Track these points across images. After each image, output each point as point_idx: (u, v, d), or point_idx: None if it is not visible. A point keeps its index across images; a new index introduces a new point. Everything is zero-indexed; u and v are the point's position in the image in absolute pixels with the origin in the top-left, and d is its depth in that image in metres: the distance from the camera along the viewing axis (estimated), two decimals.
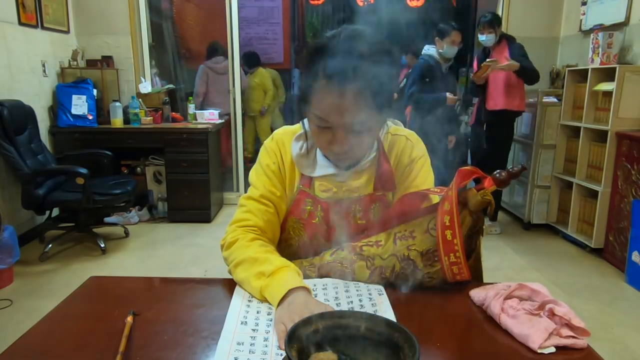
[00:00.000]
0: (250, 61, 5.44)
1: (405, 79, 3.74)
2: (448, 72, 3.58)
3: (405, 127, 1.14)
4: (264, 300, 0.89)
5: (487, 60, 3.40)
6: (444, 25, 3.45)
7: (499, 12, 4.33)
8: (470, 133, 4.23)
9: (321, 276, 1.01)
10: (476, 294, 0.89)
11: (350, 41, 0.87)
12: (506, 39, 3.50)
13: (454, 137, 3.70)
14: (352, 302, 0.88)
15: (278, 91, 6.55)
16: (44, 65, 3.70)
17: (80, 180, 3.02)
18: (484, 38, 3.47)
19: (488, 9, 4.32)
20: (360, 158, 1.02)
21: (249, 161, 4.93)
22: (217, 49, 4.85)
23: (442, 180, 1.08)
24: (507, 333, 0.79)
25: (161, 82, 4.69)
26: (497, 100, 3.51)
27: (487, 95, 3.60)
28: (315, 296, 0.90)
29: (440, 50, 3.49)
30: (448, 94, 3.47)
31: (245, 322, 0.81)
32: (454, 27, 3.42)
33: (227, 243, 1.01)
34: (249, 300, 0.90)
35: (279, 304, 0.83)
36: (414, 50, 5.39)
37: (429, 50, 3.58)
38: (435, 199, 0.99)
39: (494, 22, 3.43)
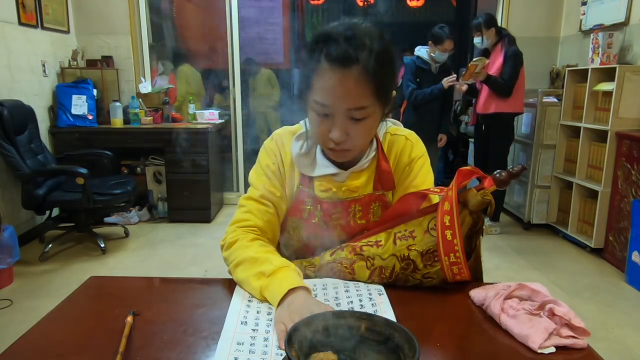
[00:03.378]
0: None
1: (401, 80, 3.76)
2: (438, 72, 3.59)
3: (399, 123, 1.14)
4: (264, 300, 0.89)
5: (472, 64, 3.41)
6: (438, 31, 3.44)
7: (499, 12, 4.33)
8: (470, 133, 4.23)
9: (321, 276, 1.01)
10: (476, 294, 0.89)
11: (351, 28, 0.89)
12: (504, 42, 3.46)
13: (445, 136, 3.70)
14: (352, 302, 0.88)
15: (273, 91, 6.57)
16: (44, 65, 3.70)
17: (80, 180, 3.02)
18: (475, 41, 3.51)
19: (488, 9, 4.32)
20: (357, 154, 1.01)
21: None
22: None
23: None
24: (507, 333, 0.79)
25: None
26: (488, 104, 3.51)
27: (478, 99, 3.61)
28: (315, 296, 0.90)
29: (432, 54, 3.51)
30: (444, 80, 3.47)
31: (245, 322, 0.81)
32: (448, 37, 3.42)
33: (227, 243, 1.01)
34: (249, 300, 0.90)
35: (279, 304, 0.83)
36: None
37: (419, 50, 3.59)
38: (435, 199, 0.99)
39: (483, 24, 3.42)
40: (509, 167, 0.91)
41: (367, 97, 0.88)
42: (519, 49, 3.40)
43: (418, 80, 3.57)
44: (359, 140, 0.95)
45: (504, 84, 3.37)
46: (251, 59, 6.15)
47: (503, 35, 3.48)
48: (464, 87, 3.54)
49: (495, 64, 3.46)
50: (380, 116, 0.96)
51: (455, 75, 3.51)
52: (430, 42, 3.50)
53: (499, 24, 3.51)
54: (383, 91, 0.91)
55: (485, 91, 3.51)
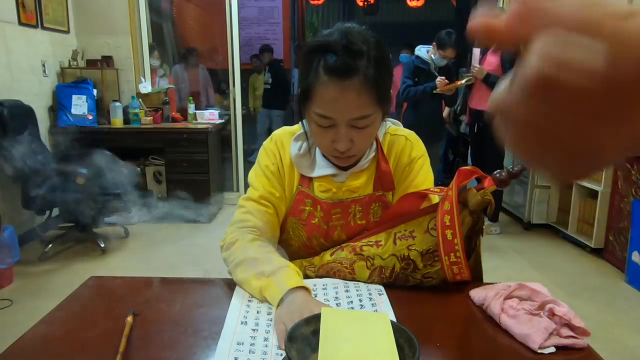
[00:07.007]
0: None
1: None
2: (438, 73, 3.57)
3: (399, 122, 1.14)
4: (264, 300, 0.89)
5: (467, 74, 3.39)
6: (445, 37, 3.41)
7: None
8: (469, 132, 4.22)
9: (321, 276, 1.01)
10: (476, 294, 0.89)
11: (346, 36, 0.88)
12: None
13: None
14: (352, 302, 0.88)
15: None
16: (44, 65, 3.70)
17: (80, 180, 3.02)
18: None
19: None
20: (360, 157, 1.02)
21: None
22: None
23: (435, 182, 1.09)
24: (507, 333, 0.79)
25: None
26: (479, 100, 3.49)
27: (471, 94, 3.59)
28: (315, 296, 0.90)
29: (432, 56, 3.50)
30: (437, 80, 3.41)
31: (245, 322, 0.81)
32: (452, 45, 3.40)
33: (226, 244, 1.01)
34: (249, 300, 0.90)
35: (278, 304, 0.83)
36: (412, 47, 5.40)
37: (420, 50, 3.58)
38: (435, 199, 0.99)
39: None
40: (509, 167, 0.91)
41: (370, 105, 0.89)
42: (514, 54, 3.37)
43: (416, 79, 3.55)
44: (364, 146, 0.97)
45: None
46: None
47: None
48: (446, 89, 3.53)
49: (489, 62, 3.45)
50: (381, 118, 0.97)
51: (447, 81, 3.46)
52: (434, 43, 3.49)
53: None
54: (384, 95, 0.91)
55: (478, 86, 3.49)
